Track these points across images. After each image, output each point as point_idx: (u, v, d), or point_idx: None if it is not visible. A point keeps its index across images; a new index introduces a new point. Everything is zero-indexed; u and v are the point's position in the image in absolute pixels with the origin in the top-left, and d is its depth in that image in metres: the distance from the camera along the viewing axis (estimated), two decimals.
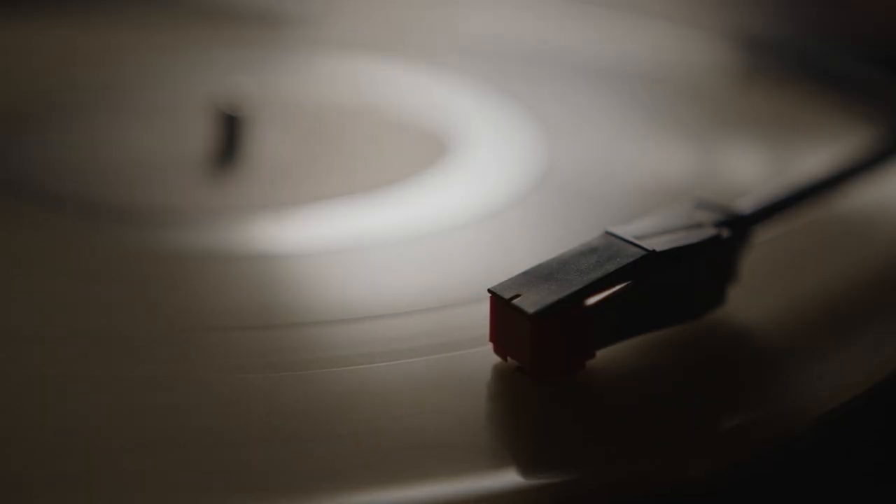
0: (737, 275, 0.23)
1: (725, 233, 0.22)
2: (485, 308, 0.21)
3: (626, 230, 0.22)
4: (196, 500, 0.18)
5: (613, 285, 0.21)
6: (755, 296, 0.23)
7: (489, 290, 0.21)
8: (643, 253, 0.21)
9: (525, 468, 0.19)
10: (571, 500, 0.18)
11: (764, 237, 0.24)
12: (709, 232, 0.22)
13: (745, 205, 0.24)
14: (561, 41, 0.43)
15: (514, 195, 0.30)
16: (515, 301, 0.20)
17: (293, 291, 0.25)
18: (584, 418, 0.20)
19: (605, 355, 0.21)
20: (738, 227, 0.23)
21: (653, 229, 0.22)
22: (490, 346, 0.21)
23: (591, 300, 0.21)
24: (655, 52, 0.41)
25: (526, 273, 0.21)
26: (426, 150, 0.33)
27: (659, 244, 0.21)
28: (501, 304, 0.21)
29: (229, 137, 0.32)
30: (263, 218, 0.29)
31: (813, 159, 0.31)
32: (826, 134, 0.34)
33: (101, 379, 0.21)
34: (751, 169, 0.32)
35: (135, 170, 0.31)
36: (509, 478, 0.19)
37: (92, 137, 0.34)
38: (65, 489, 0.18)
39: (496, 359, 0.21)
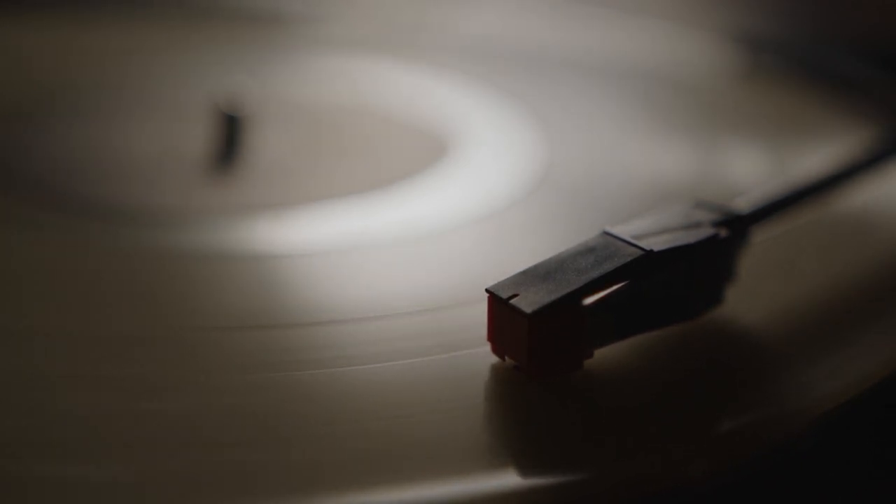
0: (735, 274, 0.23)
1: (724, 232, 0.22)
2: (484, 308, 0.21)
3: (624, 230, 0.22)
4: (195, 501, 0.18)
5: (611, 285, 0.21)
6: (753, 295, 0.23)
7: (487, 290, 0.21)
8: (641, 253, 0.21)
9: (523, 468, 0.19)
10: (570, 501, 0.18)
11: (762, 237, 0.24)
12: (707, 232, 0.22)
13: (744, 204, 0.24)
14: (561, 41, 0.43)
15: (514, 195, 0.30)
16: (513, 301, 0.20)
17: (293, 291, 0.25)
18: (582, 418, 0.20)
19: (603, 355, 0.21)
20: (737, 227, 0.23)
21: (651, 229, 0.22)
22: (489, 345, 0.21)
23: (589, 300, 0.21)
24: (655, 52, 0.41)
25: (524, 272, 0.21)
26: (426, 150, 0.33)
27: (657, 244, 0.21)
28: (499, 304, 0.21)
29: (229, 137, 0.32)
30: (263, 218, 0.29)
31: (813, 159, 0.31)
32: (826, 134, 0.34)
33: (101, 379, 0.21)
34: (750, 169, 0.32)
35: (135, 170, 0.31)
36: (507, 478, 0.19)
37: (92, 137, 0.34)
38: (64, 489, 0.18)
39: (495, 358, 0.21)
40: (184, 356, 0.22)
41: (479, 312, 0.21)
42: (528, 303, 0.20)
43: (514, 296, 0.20)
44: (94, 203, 0.29)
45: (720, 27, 0.43)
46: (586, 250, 0.21)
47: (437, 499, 0.18)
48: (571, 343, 0.21)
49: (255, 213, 0.29)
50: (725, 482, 0.19)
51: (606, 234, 0.22)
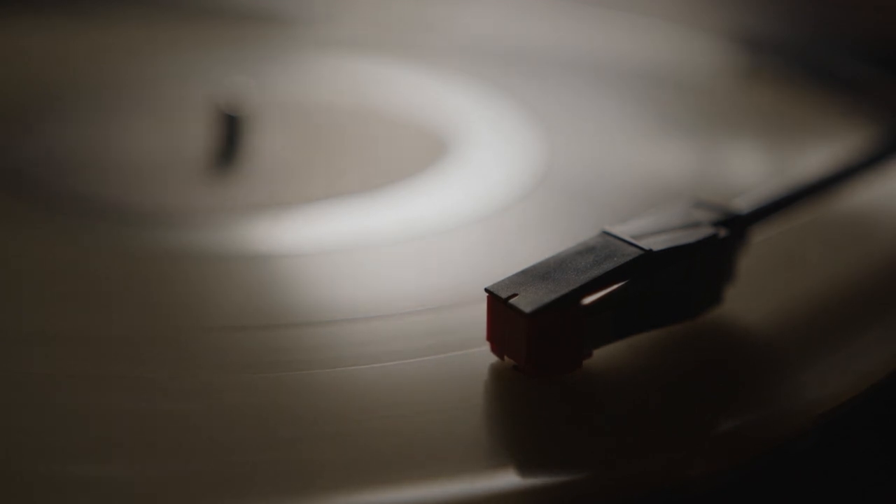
0: (734, 274, 0.23)
1: (723, 232, 0.22)
2: (483, 308, 0.21)
3: (624, 229, 0.22)
4: (195, 501, 0.18)
5: (610, 284, 0.21)
6: (752, 295, 0.23)
7: (486, 290, 0.21)
8: (640, 252, 0.21)
9: (523, 468, 0.19)
10: (570, 500, 0.18)
11: (761, 237, 0.24)
12: (706, 231, 0.22)
13: (743, 204, 0.24)
14: (561, 41, 0.43)
15: (514, 195, 0.30)
16: (512, 300, 0.20)
17: (293, 291, 0.25)
18: (581, 418, 0.20)
19: (603, 355, 0.21)
20: (736, 227, 0.23)
21: (650, 229, 0.22)
22: (488, 345, 0.21)
23: (588, 299, 0.21)
24: (655, 52, 0.41)
25: (523, 272, 0.21)
26: (426, 150, 0.33)
27: (656, 244, 0.21)
28: (498, 304, 0.21)
29: (229, 137, 0.32)
30: (263, 218, 0.29)
31: (813, 159, 0.31)
32: (826, 134, 0.34)
33: (101, 379, 0.21)
34: (750, 169, 0.32)
35: (135, 169, 0.31)
36: (507, 477, 0.19)
37: (91, 137, 0.34)
38: (63, 489, 0.18)
39: (494, 358, 0.21)
40: (184, 356, 0.22)
41: (479, 312, 0.21)
42: (527, 302, 0.20)
43: (514, 295, 0.20)
44: (94, 203, 0.29)
45: (720, 27, 0.43)
46: (586, 250, 0.21)
47: (438, 499, 0.18)
48: (571, 342, 0.21)
49: (255, 213, 0.29)
50: (725, 481, 0.19)
51: (606, 233, 0.22)
